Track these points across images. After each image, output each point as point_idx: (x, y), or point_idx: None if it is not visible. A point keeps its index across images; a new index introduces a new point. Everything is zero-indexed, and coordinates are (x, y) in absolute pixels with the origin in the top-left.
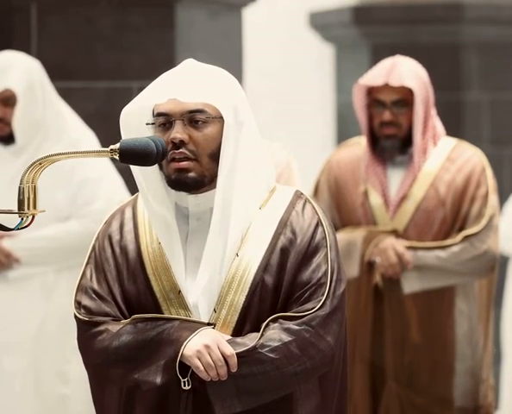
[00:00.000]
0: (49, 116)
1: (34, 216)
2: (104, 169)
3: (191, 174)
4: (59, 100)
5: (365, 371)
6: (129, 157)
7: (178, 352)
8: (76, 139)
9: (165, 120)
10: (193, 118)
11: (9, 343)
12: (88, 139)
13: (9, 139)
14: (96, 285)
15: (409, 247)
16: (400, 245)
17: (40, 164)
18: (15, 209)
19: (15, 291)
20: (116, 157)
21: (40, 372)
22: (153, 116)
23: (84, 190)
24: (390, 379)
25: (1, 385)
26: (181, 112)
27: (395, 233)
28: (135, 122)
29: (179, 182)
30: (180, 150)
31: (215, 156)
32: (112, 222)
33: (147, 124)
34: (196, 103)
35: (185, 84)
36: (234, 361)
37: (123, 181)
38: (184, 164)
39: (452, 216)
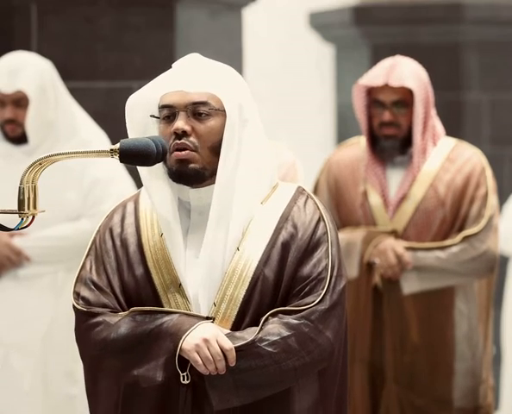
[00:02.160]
0: (61, 117)
1: (34, 216)
2: (115, 170)
3: (192, 165)
4: (71, 100)
5: (364, 371)
6: (129, 157)
7: (177, 346)
8: (87, 140)
9: (169, 112)
10: (196, 110)
11: (17, 342)
12: (99, 140)
13: (21, 139)
14: (95, 277)
15: (409, 248)
16: (399, 246)
17: (40, 164)
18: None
19: (25, 290)
20: (116, 157)
21: (49, 371)
22: (158, 108)
23: (94, 190)
24: (390, 380)
25: (9, 384)
26: (185, 103)
27: (394, 233)
28: (140, 114)
29: (180, 173)
30: (182, 140)
31: (215, 149)
32: (113, 216)
33: (152, 116)
34: (201, 93)
35: (191, 74)
36: (232, 355)
37: (134, 181)
38: (184, 153)
39: (452, 216)
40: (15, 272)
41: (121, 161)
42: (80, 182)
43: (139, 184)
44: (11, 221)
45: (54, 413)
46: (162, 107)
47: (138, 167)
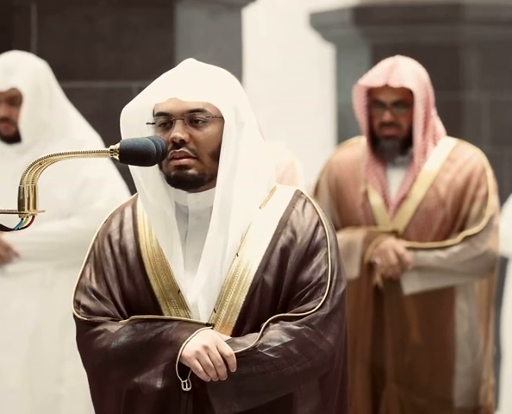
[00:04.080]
0: (55, 117)
1: (34, 216)
2: (107, 170)
3: (191, 171)
4: (66, 101)
5: (365, 372)
6: (129, 157)
7: (177, 353)
8: (80, 140)
9: (165, 119)
10: (193, 118)
11: (4, 339)
12: (92, 140)
13: (14, 138)
14: (95, 285)
15: (409, 248)
16: (400, 246)
17: (40, 164)
18: (16, 207)
19: (13, 287)
20: (116, 157)
21: (36, 370)
22: (154, 115)
23: (85, 189)
24: (391, 380)
25: None
26: (181, 111)
27: (395, 233)
28: (136, 121)
29: (179, 179)
30: (181, 149)
31: (215, 155)
32: (112, 222)
33: (148, 124)
34: (197, 102)
35: (186, 83)
36: (233, 362)
37: (124, 182)
38: (184, 161)
39: (453, 216)
40: (3, 269)
41: (121, 161)
42: (72, 180)
43: (129, 185)
44: (8, 219)
45: (40, 412)
46: (158, 114)
47: (132, 174)
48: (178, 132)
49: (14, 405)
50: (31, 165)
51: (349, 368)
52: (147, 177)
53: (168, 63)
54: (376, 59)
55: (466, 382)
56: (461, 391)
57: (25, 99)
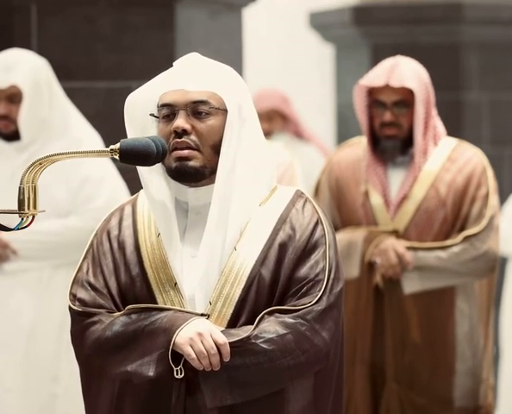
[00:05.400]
0: (55, 115)
1: (34, 216)
2: (106, 169)
3: (192, 163)
4: (66, 100)
5: (365, 371)
6: (129, 157)
7: (171, 340)
8: (79, 139)
9: (168, 111)
10: (196, 109)
11: (1, 339)
12: (92, 139)
13: (13, 136)
14: (92, 278)
15: (410, 248)
16: (400, 245)
17: (41, 164)
18: (16, 205)
19: (10, 285)
20: (116, 157)
21: (32, 369)
22: (157, 107)
23: (85, 188)
24: (391, 380)
25: None
26: (185, 102)
27: (395, 233)
28: (139, 113)
29: (180, 171)
30: (182, 139)
31: (216, 148)
32: (111, 219)
33: (151, 115)
34: (201, 92)
35: (191, 73)
36: (226, 350)
37: (124, 182)
38: (185, 152)
39: (453, 216)
40: (0, 267)
41: (121, 161)
42: (71, 179)
43: (128, 184)
44: (8, 218)
45: (35, 412)
46: (162, 106)
47: (137, 166)
48: (181, 122)
49: (10, 405)
50: (31, 165)
51: (345, 369)
52: (150, 171)
53: (168, 63)
54: (376, 59)
55: (466, 382)
56: (461, 390)
57: (25, 97)
